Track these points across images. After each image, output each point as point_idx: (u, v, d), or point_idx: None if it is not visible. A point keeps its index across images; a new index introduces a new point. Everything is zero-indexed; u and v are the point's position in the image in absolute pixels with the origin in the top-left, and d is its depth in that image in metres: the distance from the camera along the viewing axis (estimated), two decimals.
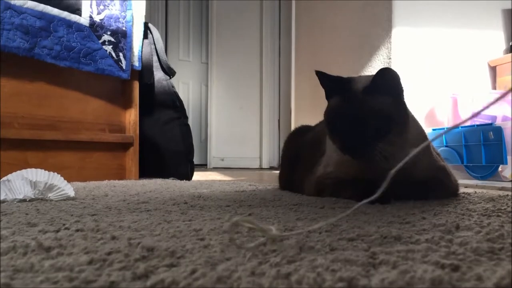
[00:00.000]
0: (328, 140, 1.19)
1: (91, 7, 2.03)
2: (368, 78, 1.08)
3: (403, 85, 1.06)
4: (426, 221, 0.72)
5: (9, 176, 1.09)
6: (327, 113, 1.11)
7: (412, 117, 1.14)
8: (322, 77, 1.11)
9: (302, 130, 1.61)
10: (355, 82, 1.08)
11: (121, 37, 2.14)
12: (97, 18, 2.04)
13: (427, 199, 1.05)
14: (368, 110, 1.01)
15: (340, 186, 1.14)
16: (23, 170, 1.11)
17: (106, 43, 2.07)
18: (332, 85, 1.11)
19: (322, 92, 1.16)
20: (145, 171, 2.34)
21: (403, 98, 1.07)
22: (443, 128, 2.30)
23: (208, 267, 0.44)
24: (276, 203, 1.03)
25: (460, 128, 2.18)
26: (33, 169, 1.12)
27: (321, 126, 1.43)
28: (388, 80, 1.04)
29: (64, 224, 0.71)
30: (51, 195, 1.10)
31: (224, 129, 5.20)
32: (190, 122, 2.82)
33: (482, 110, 0.55)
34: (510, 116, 2.23)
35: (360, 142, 1.00)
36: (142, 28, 2.28)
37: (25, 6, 1.80)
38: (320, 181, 1.20)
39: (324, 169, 1.20)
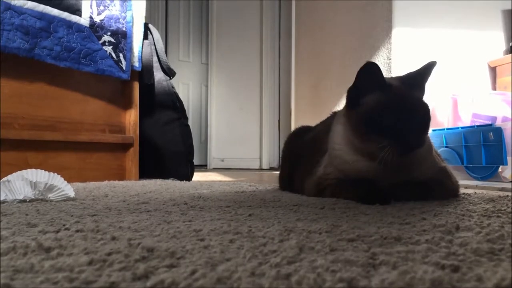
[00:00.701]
0: (331, 139, 1.18)
1: (91, 7, 2.03)
2: (402, 77, 1.12)
3: None
4: (426, 221, 0.72)
5: (9, 177, 1.09)
6: (370, 110, 1.04)
7: None
8: (371, 70, 1.03)
9: (302, 131, 1.61)
10: (391, 80, 1.10)
11: (121, 37, 2.14)
12: (97, 19, 2.04)
13: (428, 200, 1.05)
14: (420, 105, 1.05)
15: (341, 186, 1.14)
16: (23, 171, 1.11)
17: (106, 43, 2.07)
18: (374, 81, 1.05)
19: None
20: (145, 172, 2.34)
21: None
22: (443, 129, 2.30)
23: (208, 267, 0.44)
24: (276, 204, 1.03)
25: (460, 128, 2.18)
26: (33, 169, 1.12)
27: (322, 126, 1.43)
28: (427, 75, 1.10)
29: (64, 225, 0.71)
30: (51, 196, 1.10)
31: (224, 130, 5.20)
32: (190, 122, 2.82)
33: None
34: (510, 117, 2.23)
35: (419, 137, 1.02)
36: (142, 29, 2.28)
37: (25, 6, 1.80)
38: (320, 182, 1.20)
39: (325, 169, 1.20)
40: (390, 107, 1.02)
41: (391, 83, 1.07)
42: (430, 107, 1.08)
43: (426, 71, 1.10)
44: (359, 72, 1.04)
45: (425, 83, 1.11)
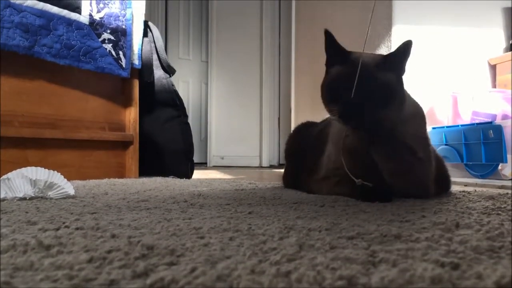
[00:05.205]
0: (332, 132, 1.18)
1: (90, 5, 2.02)
2: (375, 54, 1.13)
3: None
4: (426, 219, 0.73)
5: (9, 175, 1.09)
6: (329, 81, 1.11)
7: (409, 96, 1.15)
8: (330, 40, 1.14)
9: (307, 126, 1.58)
10: (361, 56, 1.07)
11: (121, 35, 2.13)
12: (97, 16, 2.04)
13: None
14: (380, 83, 1.02)
15: (340, 183, 1.14)
16: (23, 169, 1.11)
17: (106, 41, 2.07)
18: (337, 54, 1.13)
19: None
20: (145, 170, 2.34)
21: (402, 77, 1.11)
22: (443, 127, 2.30)
23: (208, 265, 0.44)
24: (276, 202, 1.03)
25: (460, 126, 2.18)
26: (33, 167, 1.12)
27: (327, 122, 1.42)
28: (401, 57, 1.07)
29: (64, 223, 0.71)
30: (51, 194, 1.10)
31: (224, 128, 5.19)
32: (190, 120, 2.82)
33: None
34: (510, 115, 2.23)
35: (363, 110, 1.01)
36: (142, 27, 2.28)
37: (24, 4, 1.79)
38: (327, 175, 1.20)
39: (328, 158, 1.21)
40: (343, 82, 1.04)
41: (355, 60, 1.06)
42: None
43: (404, 51, 1.08)
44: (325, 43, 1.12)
45: (401, 68, 1.09)
